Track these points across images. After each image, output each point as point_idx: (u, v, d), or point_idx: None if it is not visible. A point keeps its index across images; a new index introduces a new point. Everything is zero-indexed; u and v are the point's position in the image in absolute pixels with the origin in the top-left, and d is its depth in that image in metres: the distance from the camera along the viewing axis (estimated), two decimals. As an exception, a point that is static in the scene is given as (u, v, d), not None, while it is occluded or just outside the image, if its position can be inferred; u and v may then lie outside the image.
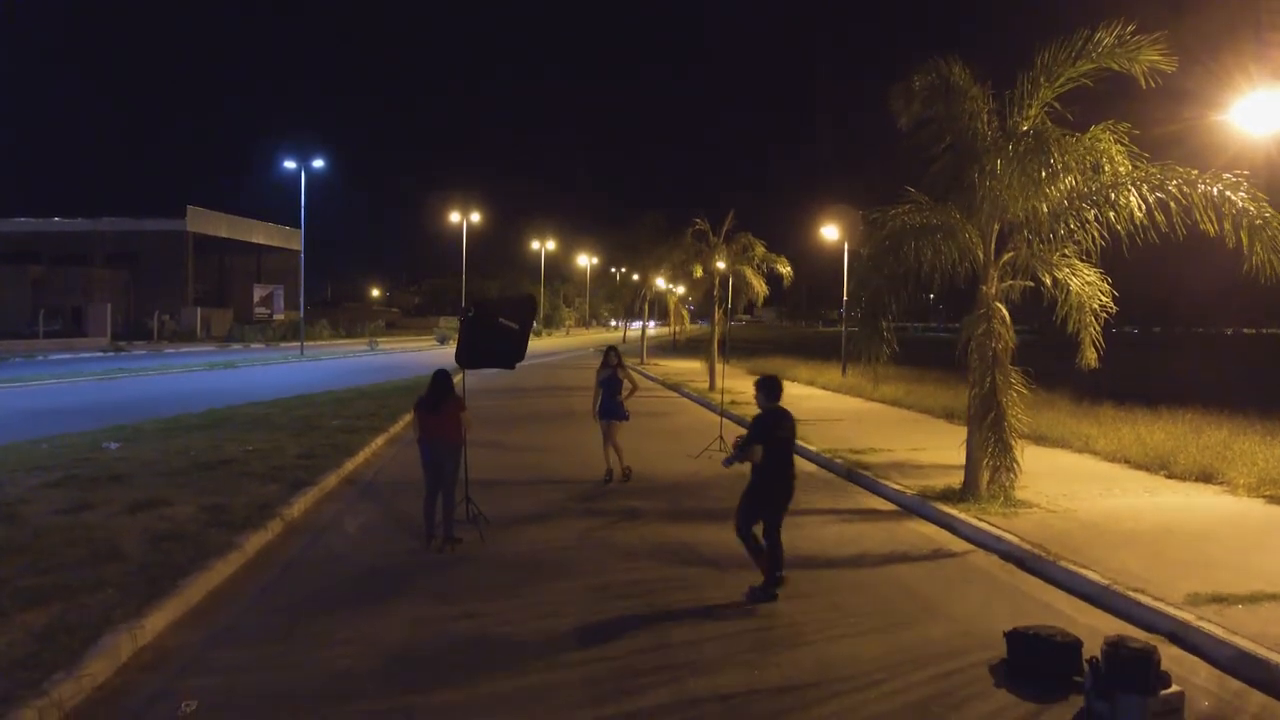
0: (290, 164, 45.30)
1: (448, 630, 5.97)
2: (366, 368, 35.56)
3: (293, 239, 67.16)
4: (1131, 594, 6.42)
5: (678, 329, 38.54)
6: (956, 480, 10.13)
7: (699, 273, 25.83)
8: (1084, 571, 6.99)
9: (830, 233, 27.30)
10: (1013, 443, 8.95)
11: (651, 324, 70.47)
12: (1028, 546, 7.76)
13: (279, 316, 70.23)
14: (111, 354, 42.30)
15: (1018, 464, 9.04)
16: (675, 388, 25.77)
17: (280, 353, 46.58)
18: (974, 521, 8.71)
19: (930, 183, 9.97)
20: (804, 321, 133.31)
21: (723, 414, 15.90)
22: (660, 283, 38.63)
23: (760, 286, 23.80)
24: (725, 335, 23.99)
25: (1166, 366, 24.86)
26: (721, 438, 13.50)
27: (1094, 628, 6.02)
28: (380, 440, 14.31)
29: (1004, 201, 8.91)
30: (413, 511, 8.83)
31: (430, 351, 52.84)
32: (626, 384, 11.32)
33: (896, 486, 10.60)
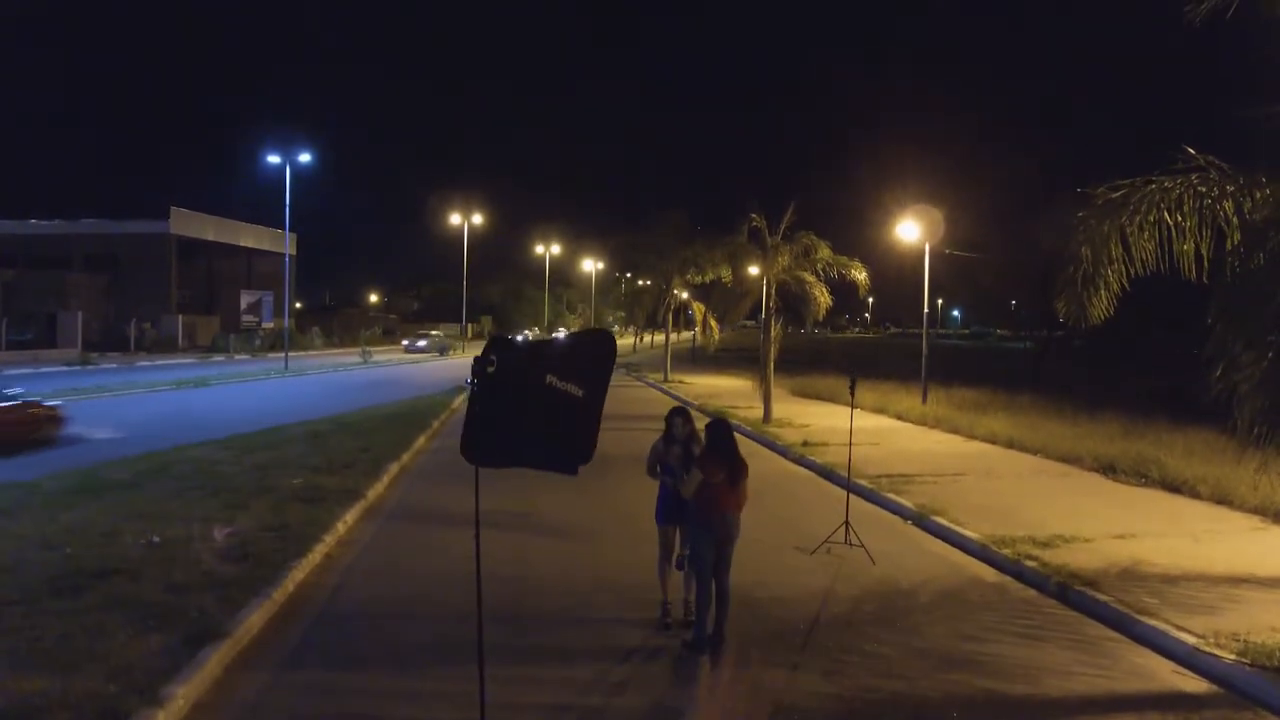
0: (274, 158, 41.26)
1: None
2: (356, 384, 31.65)
3: (284, 242, 63.24)
4: None
5: (706, 340, 34.36)
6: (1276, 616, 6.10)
7: (750, 275, 21.66)
8: None
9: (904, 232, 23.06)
10: None
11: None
12: None
13: (268, 324, 66.20)
14: (78, 368, 38.13)
15: None
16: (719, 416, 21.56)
17: (264, 365, 42.32)
18: None
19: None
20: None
21: (849, 487, 10.34)
22: (683, 288, 34.69)
23: (824, 297, 19.63)
24: (778, 353, 20.12)
25: None
26: (848, 524, 9.11)
27: None
28: (353, 515, 10.17)
29: None
30: (404, 691, 4.76)
31: (430, 363, 48.90)
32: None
33: (1188, 639, 6.36)
